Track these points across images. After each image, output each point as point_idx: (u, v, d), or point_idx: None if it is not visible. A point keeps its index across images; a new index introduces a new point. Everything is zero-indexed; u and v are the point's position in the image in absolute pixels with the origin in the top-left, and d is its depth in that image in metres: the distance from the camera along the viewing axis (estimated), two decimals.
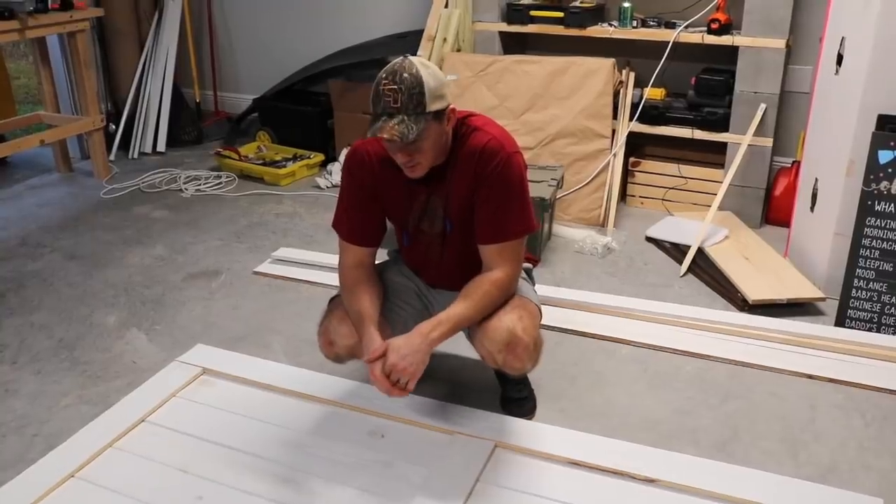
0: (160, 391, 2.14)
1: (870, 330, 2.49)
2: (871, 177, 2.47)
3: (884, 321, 2.48)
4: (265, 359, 2.34)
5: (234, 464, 1.89)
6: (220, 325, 2.60)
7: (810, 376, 2.26)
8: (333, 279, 1.94)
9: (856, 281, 2.49)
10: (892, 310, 2.46)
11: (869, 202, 2.47)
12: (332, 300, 2.01)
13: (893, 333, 2.46)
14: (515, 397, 2.13)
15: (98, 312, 2.68)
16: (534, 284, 2.11)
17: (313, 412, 2.09)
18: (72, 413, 2.12)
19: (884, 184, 2.45)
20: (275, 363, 2.32)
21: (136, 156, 4.41)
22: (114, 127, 4.40)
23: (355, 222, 1.93)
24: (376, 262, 2.01)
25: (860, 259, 2.48)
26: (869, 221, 2.47)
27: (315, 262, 2.97)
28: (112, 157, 4.30)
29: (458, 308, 1.79)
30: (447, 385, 2.23)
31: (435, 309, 1.94)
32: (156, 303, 2.75)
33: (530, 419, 2.09)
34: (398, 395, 1.76)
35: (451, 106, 1.76)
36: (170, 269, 3.02)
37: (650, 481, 1.82)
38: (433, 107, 1.68)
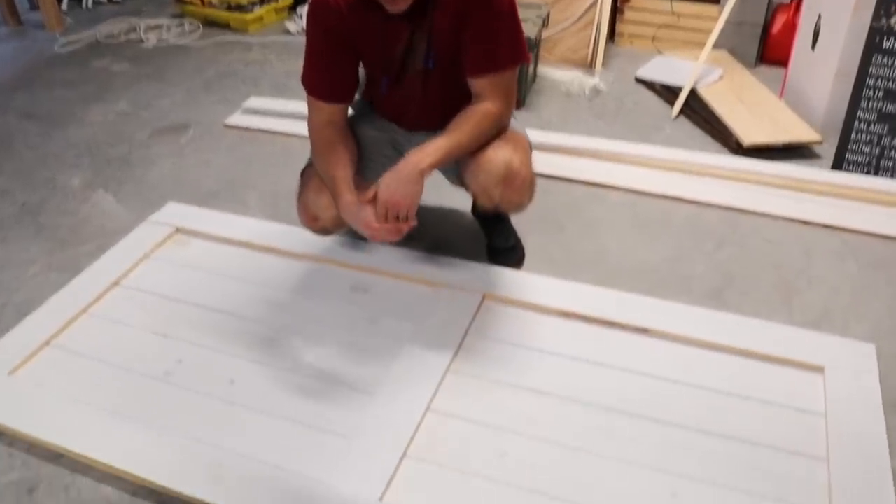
0: (132, 253, 2.05)
1: (867, 174, 2.41)
2: (882, 11, 2.30)
3: (882, 164, 2.40)
4: (240, 215, 2.24)
5: (214, 325, 1.82)
6: (192, 181, 2.48)
7: (805, 222, 2.20)
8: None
9: (856, 123, 2.39)
10: (893, 153, 2.37)
11: (877, 39, 2.32)
12: (304, 172, 1.87)
13: (892, 177, 2.39)
14: (503, 247, 2.06)
15: (61, 174, 2.54)
16: None
17: (293, 268, 2.01)
18: (41, 281, 2.03)
19: (895, 19, 2.29)
20: (251, 219, 2.21)
21: (90, 5, 4.13)
22: None
23: (324, 76, 1.75)
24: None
25: (862, 100, 2.37)
26: (875, 60, 2.33)
27: (289, 112, 2.81)
28: (64, 7, 4.01)
29: (449, 136, 1.64)
30: (430, 236, 2.14)
31: None
32: (122, 161, 2.61)
33: (519, 269, 2.03)
34: (405, 228, 1.63)
35: None
36: (135, 126, 2.85)
37: (643, 331, 1.78)
38: None
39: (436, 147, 1.62)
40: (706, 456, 1.50)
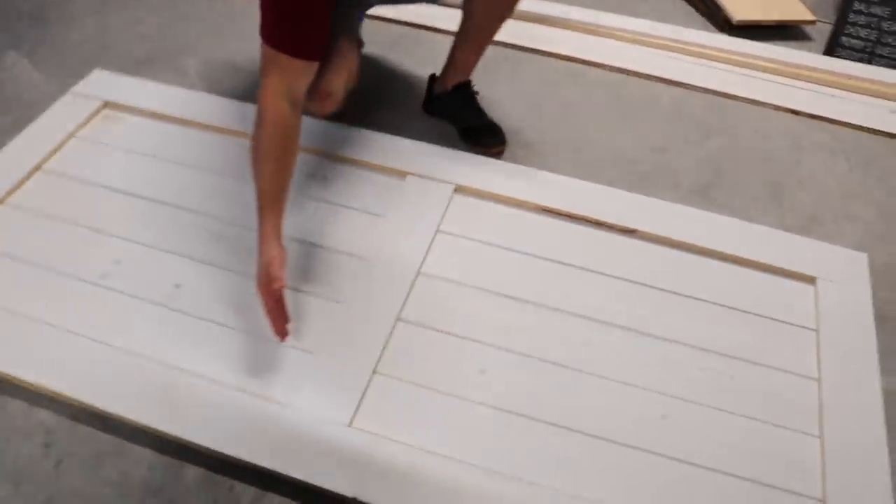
0: (54, 131, 1.77)
1: (861, 61, 2.26)
2: None
3: (878, 52, 2.24)
4: (179, 86, 1.96)
5: (153, 218, 1.61)
6: (120, 45, 2.16)
7: (795, 112, 2.06)
8: None
9: (856, 3, 2.21)
10: (891, 39, 2.22)
11: None
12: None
13: (886, 66, 2.24)
14: (480, 125, 1.87)
15: None
16: None
17: (241, 150, 1.75)
18: None
19: None
20: (190, 91, 1.95)
21: None
22: None
23: (299, 22, 1.30)
24: None
25: None
26: None
27: None
28: None
29: None
30: (392, 114, 1.93)
31: None
32: (36, 18, 2.25)
33: (501, 152, 1.85)
34: None
35: None
36: None
37: (629, 232, 1.65)
38: None
39: None
40: (695, 374, 1.41)
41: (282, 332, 1.31)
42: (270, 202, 1.32)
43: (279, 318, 1.30)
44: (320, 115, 1.68)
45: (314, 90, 1.55)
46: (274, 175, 1.33)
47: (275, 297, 1.28)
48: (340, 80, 1.59)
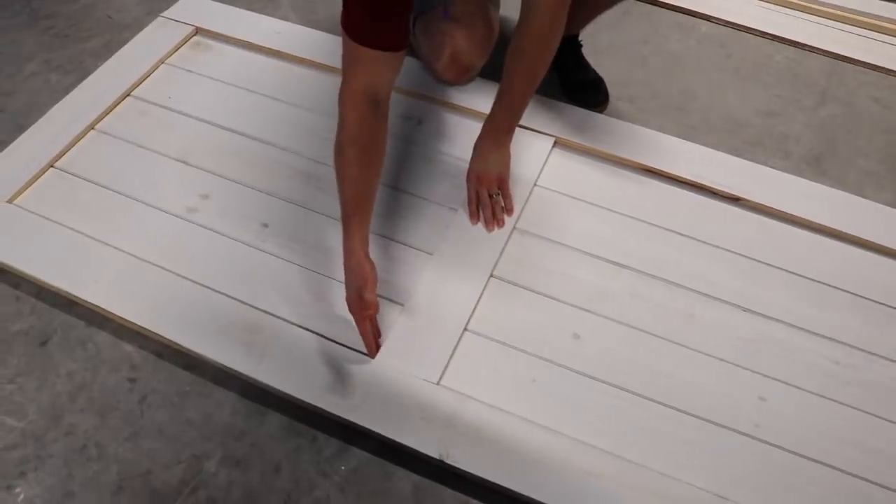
0: (145, 56, 1.73)
1: None
2: None
3: None
4: (271, 16, 1.90)
5: (242, 153, 1.57)
6: None
7: None
8: None
9: None
10: None
11: None
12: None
13: None
14: (585, 79, 1.77)
15: None
16: None
17: (332, 87, 1.69)
18: (39, 83, 1.73)
19: None
20: (282, 22, 1.88)
21: None
22: None
23: (379, 8, 1.15)
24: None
25: None
26: None
27: None
28: None
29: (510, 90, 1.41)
30: (492, 58, 1.84)
31: None
32: None
33: (602, 110, 1.75)
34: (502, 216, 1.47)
35: None
36: None
37: (735, 199, 1.55)
38: None
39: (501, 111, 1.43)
40: (799, 357, 1.33)
41: (373, 350, 1.26)
42: (355, 211, 1.20)
43: (372, 337, 1.25)
44: (453, 84, 1.68)
45: (454, 61, 1.56)
46: (358, 182, 1.20)
47: (368, 319, 1.23)
48: (481, 58, 1.55)
